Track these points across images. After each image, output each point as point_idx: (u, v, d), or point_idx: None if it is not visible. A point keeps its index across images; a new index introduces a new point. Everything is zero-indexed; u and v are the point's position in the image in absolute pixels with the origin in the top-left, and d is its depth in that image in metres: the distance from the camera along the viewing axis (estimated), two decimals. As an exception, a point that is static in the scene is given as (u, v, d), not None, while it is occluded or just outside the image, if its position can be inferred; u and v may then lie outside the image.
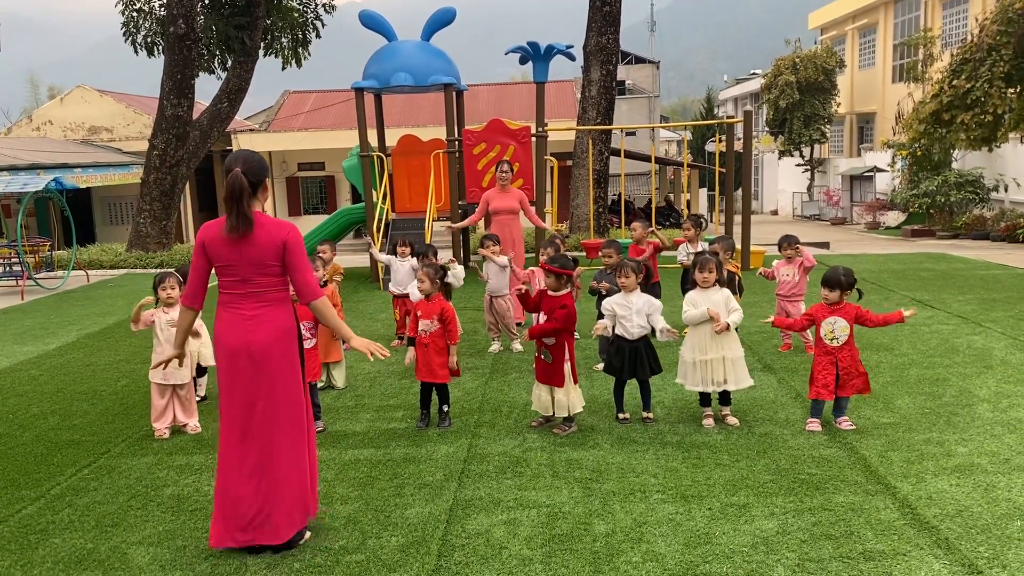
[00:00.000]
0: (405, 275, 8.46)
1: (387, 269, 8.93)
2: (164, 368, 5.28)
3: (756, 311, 9.41)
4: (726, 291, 5.76)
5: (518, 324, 8.68)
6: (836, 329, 5.51)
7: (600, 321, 5.96)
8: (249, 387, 3.98)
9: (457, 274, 7.27)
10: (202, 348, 6.53)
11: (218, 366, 4.08)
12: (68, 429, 6.28)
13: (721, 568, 3.78)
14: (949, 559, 3.79)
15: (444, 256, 8.29)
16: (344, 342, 8.13)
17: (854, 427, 5.57)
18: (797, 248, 7.71)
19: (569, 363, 5.60)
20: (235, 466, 4.02)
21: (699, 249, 8.43)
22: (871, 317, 5.53)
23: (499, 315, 8.20)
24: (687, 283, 8.53)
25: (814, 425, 5.59)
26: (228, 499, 4.02)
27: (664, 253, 8.98)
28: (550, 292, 5.70)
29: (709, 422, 5.77)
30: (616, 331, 5.85)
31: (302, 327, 5.85)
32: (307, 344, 5.96)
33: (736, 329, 5.81)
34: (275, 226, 3.94)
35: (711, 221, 16.47)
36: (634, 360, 5.79)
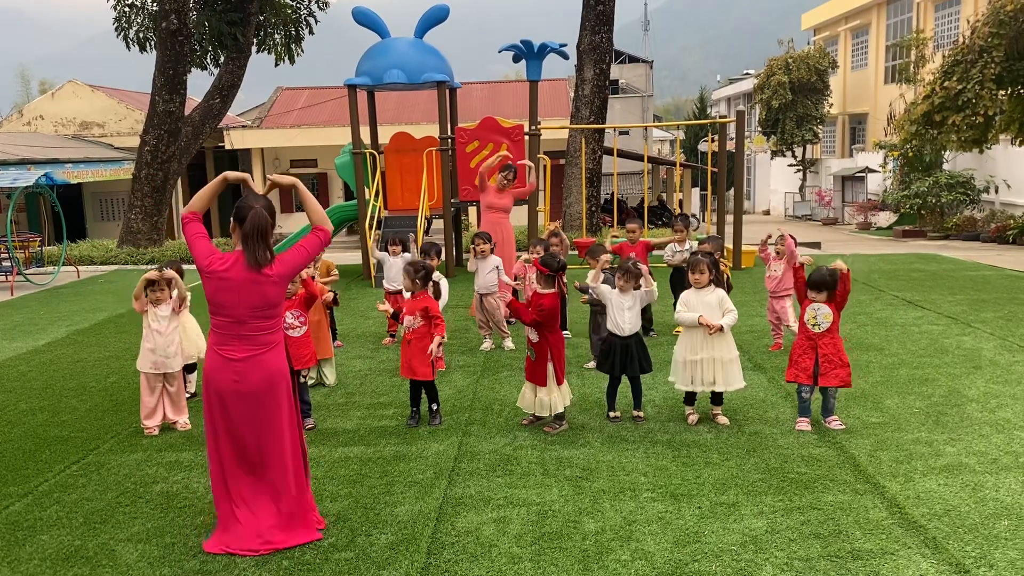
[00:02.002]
0: (398, 272, 8.47)
1: (379, 266, 8.93)
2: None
3: (748, 310, 9.43)
4: (720, 292, 5.78)
5: (508, 322, 8.68)
6: (819, 315, 5.56)
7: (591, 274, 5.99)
8: (239, 428, 4.03)
9: (442, 288, 7.26)
10: (197, 340, 6.55)
11: (206, 404, 4.09)
12: (57, 425, 6.25)
13: (710, 567, 3.79)
14: (937, 558, 3.81)
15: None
16: (335, 339, 8.12)
17: (843, 426, 5.59)
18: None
19: (553, 363, 5.60)
20: (232, 501, 4.08)
21: (686, 247, 8.44)
22: (837, 296, 5.58)
23: (489, 313, 8.20)
24: (677, 282, 8.53)
25: (803, 424, 5.61)
26: (232, 527, 4.08)
27: (654, 252, 8.97)
28: (539, 289, 5.73)
29: (693, 419, 5.80)
30: (608, 327, 5.88)
31: (290, 315, 5.85)
32: (297, 332, 5.94)
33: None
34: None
35: (703, 221, 16.49)
36: (625, 356, 5.81)
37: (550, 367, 5.60)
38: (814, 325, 5.58)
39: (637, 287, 5.89)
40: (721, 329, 5.60)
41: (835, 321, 5.57)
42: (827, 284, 5.56)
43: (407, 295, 6.10)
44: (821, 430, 5.57)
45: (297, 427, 4.24)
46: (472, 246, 8.20)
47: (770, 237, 7.81)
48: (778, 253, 7.73)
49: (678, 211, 17.92)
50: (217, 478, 4.11)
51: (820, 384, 5.60)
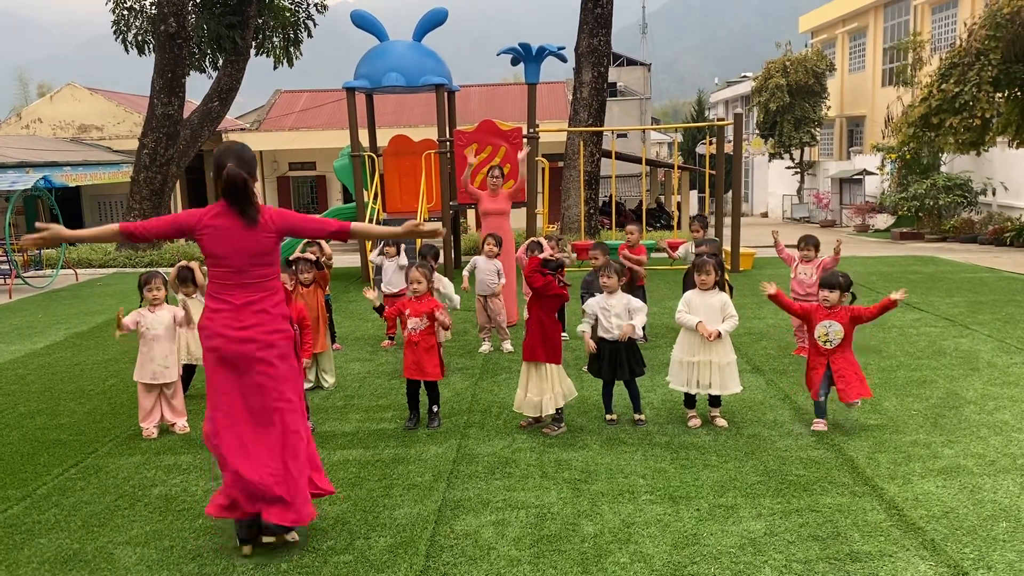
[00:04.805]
0: (393, 273, 8.48)
1: (378, 270, 8.94)
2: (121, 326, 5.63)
3: (747, 312, 9.44)
4: (724, 296, 5.77)
5: (509, 325, 8.68)
6: (831, 332, 5.55)
7: (588, 341, 5.90)
8: (242, 376, 3.97)
9: (450, 295, 7.34)
10: (190, 343, 6.54)
11: (206, 356, 4.04)
12: (55, 428, 6.25)
13: (708, 569, 3.79)
14: (935, 560, 3.82)
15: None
16: (334, 341, 8.13)
17: (825, 428, 5.60)
18: (815, 252, 7.62)
19: (537, 334, 5.58)
20: (238, 454, 3.99)
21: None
22: (865, 312, 5.56)
23: (494, 313, 8.20)
24: (691, 283, 8.54)
25: (820, 425, 5.63)
26: (239, 481, 3.98)
27: (657, 254, 8.98)
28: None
29: (695, 422, 5.79)
30: (598, 332, 5.87)
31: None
32: None
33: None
34: (263, 213, 3.98)
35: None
36: (614, 361, 5.78)
37: (538, 339, 5.58)
38: (825, 342, 5.57)
39: (626, 281, 5.90)
40: (719, 335, 5.61)
41: (848, 337, 5.56)
42: (839, 285, 5.58)
43: (411, 296, 6.00)
44: (820, 433, 5.58)
45: (300, 386, 4.16)
46: (483, 245, 8.21)
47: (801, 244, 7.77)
48: (806, 259, 7.64)
49: (677, 213, 17.96)
50: (215, 439, 4.02)
51: (842, 401, 5.61)
